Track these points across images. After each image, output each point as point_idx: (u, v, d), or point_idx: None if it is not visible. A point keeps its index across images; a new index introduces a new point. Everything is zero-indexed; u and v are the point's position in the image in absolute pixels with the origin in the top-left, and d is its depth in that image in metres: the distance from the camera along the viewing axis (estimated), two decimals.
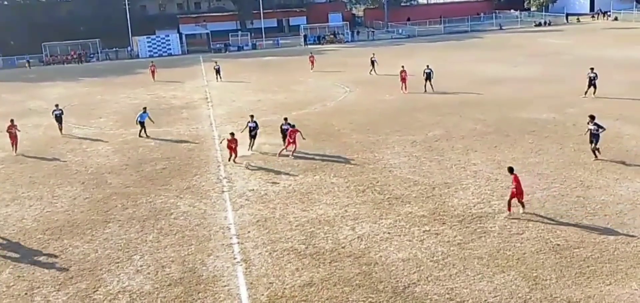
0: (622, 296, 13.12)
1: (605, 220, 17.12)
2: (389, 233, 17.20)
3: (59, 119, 32.76)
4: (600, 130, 22.45)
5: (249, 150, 26.29)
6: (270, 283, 14.49)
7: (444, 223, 17.63)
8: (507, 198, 17.93)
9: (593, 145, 22.64)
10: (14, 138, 28.65)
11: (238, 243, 16.91)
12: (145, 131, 30.95)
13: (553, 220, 17.36)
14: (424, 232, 17.13)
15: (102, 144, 30.26)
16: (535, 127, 28.19)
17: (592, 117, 22.84)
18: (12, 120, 29.14)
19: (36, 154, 28.68)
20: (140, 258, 16.23)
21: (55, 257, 16.52)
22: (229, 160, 24.93)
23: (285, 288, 14.21)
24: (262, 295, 13.94)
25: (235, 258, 15.92)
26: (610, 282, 13.74)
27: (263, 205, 19.81)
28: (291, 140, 25.60)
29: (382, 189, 20.92)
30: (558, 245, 15.79)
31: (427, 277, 14.45)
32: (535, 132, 27.36)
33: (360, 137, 28.24)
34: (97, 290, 14.43)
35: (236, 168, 24.23)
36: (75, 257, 16.42)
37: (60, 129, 32.65)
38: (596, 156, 22.51)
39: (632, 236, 16.00)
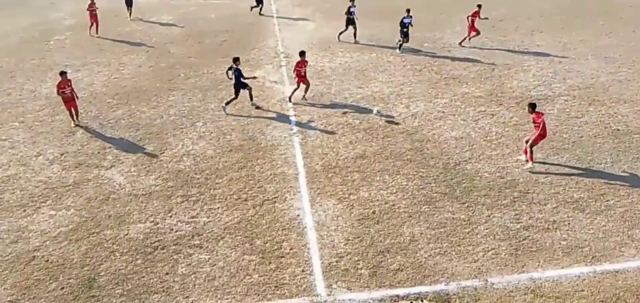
0: None
1: None
2: (443, 112, 17.24)
3: (129, 1, 30.41)
4: None
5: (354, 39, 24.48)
6: (324, 154, 15.02)
7: (500, 104, 17.47)
8: (528, 143, 14.01)
9: None
10: (94, 17, 27.02)
11: (295, 115, 17.39)
12: None
13: (616, 104, 16.89)
14: (479, 112, 17.06)
15: (164, 15, 30.82)
16: (608, 8, 26.66)
17: None
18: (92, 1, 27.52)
19: (102, 24, 29.64)
20: (203, 125, 17.03)
21: (124, 120, 17.55)
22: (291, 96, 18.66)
23: (338, 159, 14.72)
24: (317, 164, 14.52)
25: (291, 130, 16.47)
26: None
27: (320, 81, 20.06)
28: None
29: (440, 69, 20.69)
30: (618, 130, 15.48)
31: (479, 156, 14.61)
32: (608, 13, 25.92)
33: (421, 15, 27.53)
34: (164, 152, 15.39)
35: (293, 43, 24.34)
36: (142, 121, 17.40)
37: (130, 13, 30.39)
38: None
39: None
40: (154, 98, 19.22)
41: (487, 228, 11.82)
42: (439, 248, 11.24)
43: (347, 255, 11.11)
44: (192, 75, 21.27)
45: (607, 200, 12.46)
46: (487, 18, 22.40)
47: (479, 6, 22.47)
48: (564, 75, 19.16)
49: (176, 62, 22.97)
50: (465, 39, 22.90)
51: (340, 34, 24.47)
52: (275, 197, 13.09)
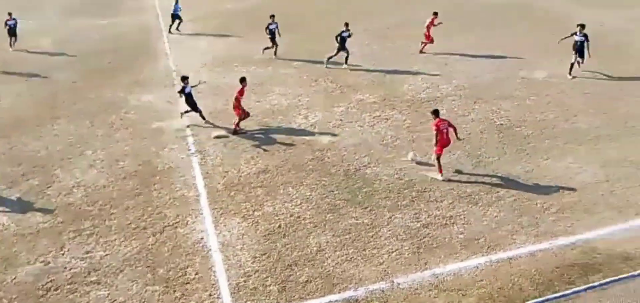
0: (558, 169, 13.99)
1: (546, 99, 17.87)
2: (341, 120, 17.54)
3: (12, 31, 26.94)
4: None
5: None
6: (225, 172, 14.74)
7: (394, 108, 18.06)
8: (433, 155, 14.11)
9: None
10: None
11: (192, 135, 16.95)
12: None
13: (499, 100, 18.01)
14: (374, 117, 17.53)
15: (43, 39, 28.92)
16: (487, 11, 28.47)
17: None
18: None
19: None
20: (92, 153, 16.13)
21: (4, 154, 16.24)
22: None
23: (240, 176, 14.51)
24: (218, 183, 14.22)
25: (189, 150, 16.03)
26: (547, 157, 14.58)
27: (217, 98, 19.72)
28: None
29: (335, 78, 21.06)
30: (502, 124, 16.50)
31: (377, 160, 14.98)
32: (487, 16, 27.67)
33: (316, 26, 27.91)
34: (51, 186, 14.40)
35: (185, 60, 23.79)
36: (25, 155, 16.19)
37: (11, 43, 27.02)
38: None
39: (571, 113, 16.82)
40: (37, 128, 17.97)
41: (389, 230, 12.12)
42: (346, 255, 11.36)
43: (255, 273, 10.94)
44: (78, 101, 20.13)
45: (497, 192, 13.22)
46: (441, 23, 22.89)
47: (435, 14, 22.91)
48: (449, 76, 20.18)
49: (59, 88, 21.64)
50: (424, 45, 23.06)
51: (265, 49, 23.87)
52: (176, 222, 12.64)
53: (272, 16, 23.42)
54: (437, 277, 10.63)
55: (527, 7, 28.83)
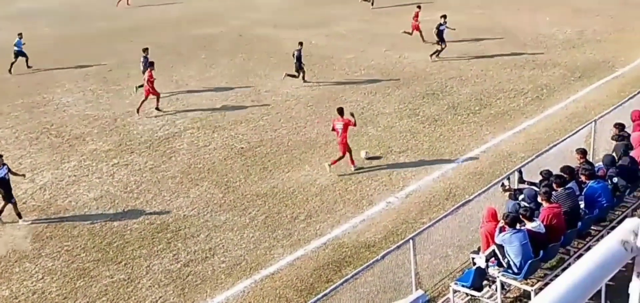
0: (300, 178, 15.07)
1: (277, 117, 19.11)
2: (75, 175, 16.15)
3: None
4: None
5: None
6: None
7: (132, 152, 17.33)
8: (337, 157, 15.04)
9: None
10: None
11: None
12: None
13: (235, 125, 18.62)
14: (113, 165, 16.57)
15: None
16: (205, 42, 29.18)
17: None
18: None
19: None
20: None
21: None
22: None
23: None
24: None
25: None
26: (288, 169, 15.59)
27: None
28: None
29: (59, 131, 19.30)
30: (242, 148, 17.11)
31: (123, 209, 14.19)
32: (206, 47, 28.37)
33: (20, 78, 25.12)
34: None
35: None
36: None
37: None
38: None
39: (300, 125, 18.28)
40: None
41: (149, 279, 11.58)
42: None
43: None
44: None
45: (250, 213, 13.65)
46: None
47: (419, 7, 25.64)
48: (184, 109, 20.16)
49: None
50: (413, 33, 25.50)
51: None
52: None
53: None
54: None
55: (234, 37, 30.44)
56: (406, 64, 23.50)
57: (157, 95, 20.18)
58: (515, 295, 9.86)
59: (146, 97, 19.97)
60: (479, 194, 10.96)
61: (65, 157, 17.37)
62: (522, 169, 11.48)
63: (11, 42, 26.11)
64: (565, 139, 13.04)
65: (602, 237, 9.85)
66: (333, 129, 15.41)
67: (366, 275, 9.66)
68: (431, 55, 23.38)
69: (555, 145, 12.82)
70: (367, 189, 14.26)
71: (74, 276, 11.79)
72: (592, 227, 10.24)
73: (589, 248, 9.43)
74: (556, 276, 8.93)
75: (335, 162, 15.05)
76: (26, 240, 13.08)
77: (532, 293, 8.83)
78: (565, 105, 18.42)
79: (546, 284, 8.84)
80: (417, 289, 9.95)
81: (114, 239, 12.97)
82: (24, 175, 15.26)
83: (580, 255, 9.41)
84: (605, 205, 10.16)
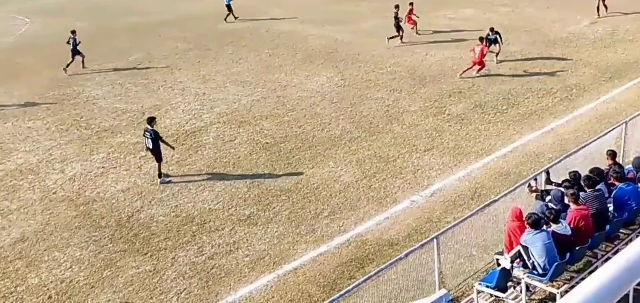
0: (324, 174, 15.09)
1: (302, 113, 19.15)
2: (103, 167, 16.44)
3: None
4: None
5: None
6: None
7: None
8: None
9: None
10: None
11: None
12: None
13: (260, 121, 18.73)
14: (140, 158, 16.80)
15: None
16: (232, 37, 29.39)
17: None
18: None
19: None
20: None
21: None
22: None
23: None
24: None
25: None
26: (312, 165, 15.62)
27: None
28: None
29: (89, 124, 19.67)
30: (267, 143, 17.19)
31: (150, 201, 14.39)
32: (234, 42, 28.57)
33: (53, 72, 25.64)
34: None
35: None
36: None
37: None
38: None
39: (325, 122, 18.30)
40: None
41: (174, 271, 11.72)
42: None
43: None
44: None
45: (274, 208, 13.71)
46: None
47: (412, 3, 26.22)
48: (210, 104, 20.34)
49: None
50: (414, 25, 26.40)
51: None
52: None
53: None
54: None
55: (256, 31, 30.57)
56: (433, 61, 23.33)
57: None
58: (540, 297, 9.72)
59: None
60: (505, 194, 10.84)
61: (94, 148, 17.68)
62: (550, 170, 11.31)
63: (41, 35, 26.67)
64: (594, 140, 12.79)
65: (631, 240, 9.67)
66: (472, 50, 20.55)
67: (389, 273, 9.63)
68: (388, 40, 25.35)
69: (584, 147, 12.60)
70: (391, 187, 14.21)
71: (101, 266, 12.00)
72: (621, 230, 10.06)
73: (617, 252, 9.27)
74: (583, 279, 8.81)
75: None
76: (52, 232, 13.35)
77: (558, 296, 8.71)
78: (595, 105, 18.07)
79: (572, 287, 8.71)
80: (440, 288, 9.89)
81: (140, 231, 13.16)
82: (173, 148, 16.19)
83: (608, 259, 9.26)
84: (634, 208, 9.96)
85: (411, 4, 26.43)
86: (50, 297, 11.14)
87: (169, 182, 15.19)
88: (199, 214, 13.67)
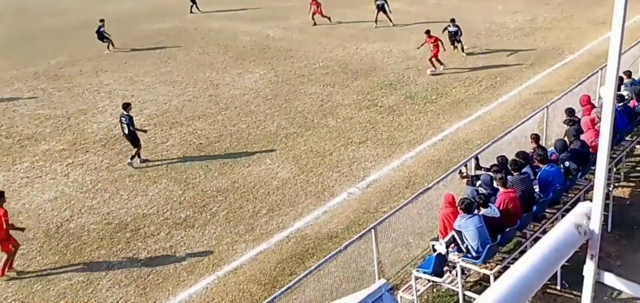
0: (261, 172, 15.00)
1: (236, 111, 18.96)
2: (28, 177, 15.67)
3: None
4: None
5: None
6: None
7: (87, 152, 16.91)
8: None
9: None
10: None
11: None
12: None
13: (192, 121, 18.39)
14: (67, 165, 16.15)
15: None
16: (161, 37, 28.69)
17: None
18: None
19: None
20: None
21: None
22: None
23: None
24: None
25: None
26: (249, 164, 15.50)
27: None
28: None
29: (9, 132, 18.69)
30: (201, 143, 16.91)
31: (80, 210, 13.85)
32: (163, 41, 27.89)
33: None
34: None
35: None
36: None
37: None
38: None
39: (259, 119, 18.19)
40: None
41: (109, 281, 11.36)
42: None
43: None
44: None
45: (211, 209, 13.52)
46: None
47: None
48: (140, 107, 19.76)
49: None
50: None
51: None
52: None
53: None
54: None
55: (184, 30, 30.07)
56: (363, 55, 23.65)
57: None
58: (475, 279, 10.09)
59: None
60: (438, 181, 11.15)
61: (17, 158, 16.83)
62: (479, 156, 11.73)
63: None
64: (519, 125, 13.36)
65: (556, 219, 10.18)
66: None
67: (329, 266, 9.70)
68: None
69: (509, 132, 13.13)
70: (328, 181, 14.32)
71: (31, 280, 11.45)
72: (547, 210, 10.55)
73: (544, 231, 9.73)
74: (514, 259, 9.19)
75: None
76: None
77: (492, 277, 9.05)
78: (519, 92, 18.89)
79: (505, 268, 9.10)
80: (380, 278, 10.07)
81: (71, 241, 12.65)
82: (145, 131, 16.60)
83: (537, 238, 9.71)
84: (558, 188, 10.48)
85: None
86: None
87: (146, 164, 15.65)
88: (132, 220, 13.28)
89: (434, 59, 20.88)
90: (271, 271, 11.22)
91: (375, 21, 26.90)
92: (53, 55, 26.86)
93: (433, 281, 9.63)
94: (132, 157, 15.71)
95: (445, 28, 22.39)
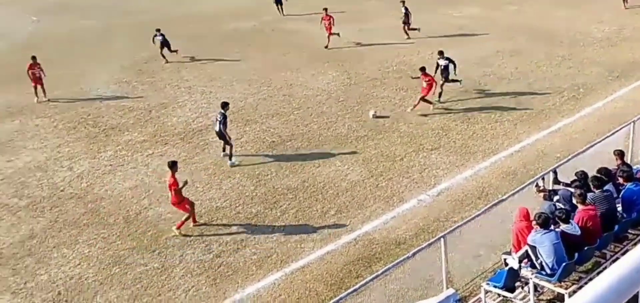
0: (330, 174, 15.11)
1: (308, 112, 19.18)
2: (111, 165, 16.53)
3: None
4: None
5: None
6: None
7: (166, 144, 17.63)
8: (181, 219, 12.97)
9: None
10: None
11: None
12: None
13: (266, 119, 18.76)
14: (147, 156, 16.90)
15: None
16: (238, 36, 29.43)
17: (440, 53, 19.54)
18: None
19: None
20: None
21: None
22: None
23: (2, 249, 12.74)
24: None
25: None
26: (319, 165, 15.65)
27: None
28: None
29: (96, 122, 19.77)
30: (273, 142, 17.23)
31: (157, 199, 14.45)
32: (240, 41, 28.60)
33: (60, 72, 25.76)
34: None
35: None
36: None
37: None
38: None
39: (331, 121, 18.32)
40: None
41: (182, 269, 11.79)
42: None
43: None
44: None
45: (281, 206, 13.76)
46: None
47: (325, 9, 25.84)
48: (217, 103, 20.35)
49: None
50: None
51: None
52: None
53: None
54: None
55: (258, 31, 30.60)
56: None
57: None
58: (548, 298, 9.72)
59: None
60: (513, 194, 10.84)
61: (102, 146, 17.78)
62: (557, 170, 11.30)
63: (47, 33, 26.69)
64: (602, 140, 12.77)
65: (639, 241, 9.66)
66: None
67: (396, 272, 9.66)
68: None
69: (592, 146, 12.58)
70: (398, 186, 14.23)
71: (110, 262, 12.08)
72: (630, 231, 10.04)
73: (626, 252, 9.24)
74: (591, 279, 8.80)
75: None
76: (61, 229, 13.44)
77: (566, 296, 8.71)
78: (603, 105, 18.02)
79: (580, 287, 8.71)
80: (448, 288, 9.90)
81: (148, 228, 13.24)
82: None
83: (617, 259, 9.24)
84: None
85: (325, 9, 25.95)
86: (59, 294, 11.22)
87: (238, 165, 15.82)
88: (206, 212, 13.72)
89: (422, 99, 18.11)
90: (338, 272, 11.28)
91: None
92: (139, 50, 28.14)
93: (504, 296, 9.37)
94: (231, 157, 15.88)
95: (437, 64, 19.18)
